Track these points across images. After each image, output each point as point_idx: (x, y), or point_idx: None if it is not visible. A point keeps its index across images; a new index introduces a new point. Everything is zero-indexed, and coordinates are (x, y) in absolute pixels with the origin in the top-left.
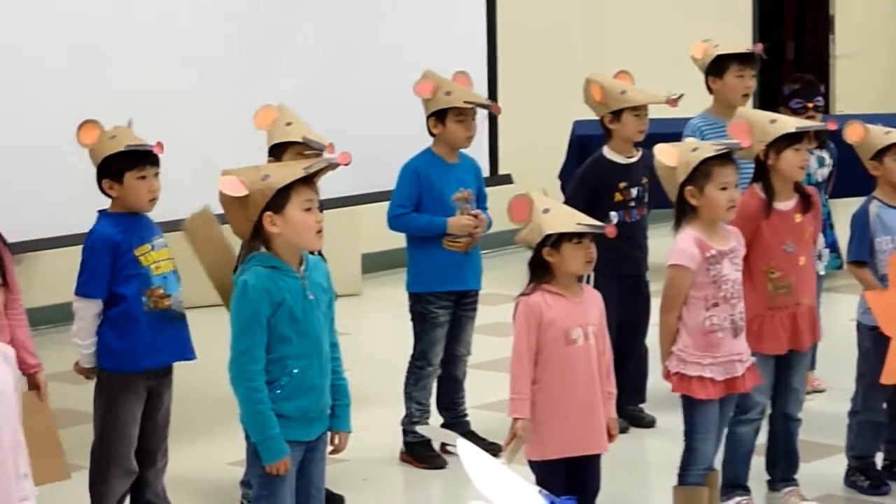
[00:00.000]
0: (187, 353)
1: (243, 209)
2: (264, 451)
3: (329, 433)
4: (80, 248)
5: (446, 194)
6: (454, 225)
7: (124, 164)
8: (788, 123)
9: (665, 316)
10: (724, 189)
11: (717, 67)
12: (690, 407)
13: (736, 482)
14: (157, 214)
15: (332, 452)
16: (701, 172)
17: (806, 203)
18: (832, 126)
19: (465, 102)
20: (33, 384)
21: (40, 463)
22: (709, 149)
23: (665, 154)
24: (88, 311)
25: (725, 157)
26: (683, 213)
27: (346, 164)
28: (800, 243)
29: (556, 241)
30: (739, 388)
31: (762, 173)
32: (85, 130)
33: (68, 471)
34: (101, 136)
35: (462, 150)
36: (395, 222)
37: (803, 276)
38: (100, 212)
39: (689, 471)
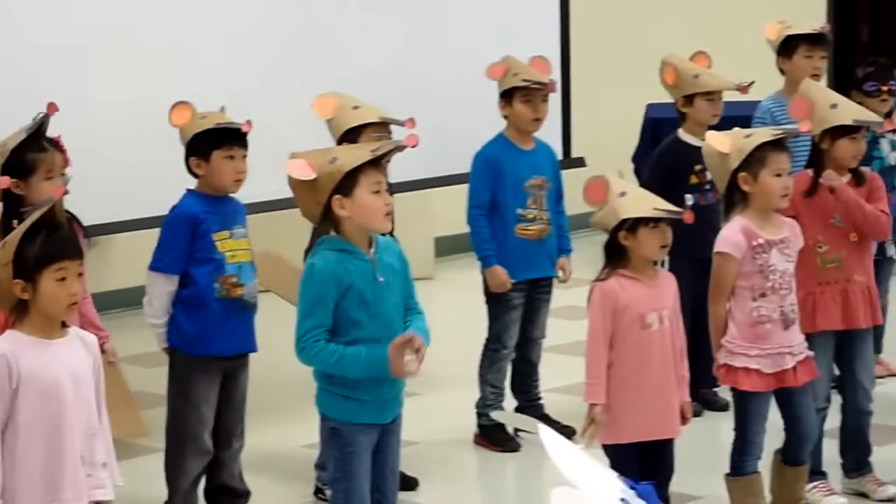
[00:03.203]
0: (250, 346)
1: (312, 192)
2: (377, 367)
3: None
4: (155, 230)
5: (520, 181)
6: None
7: (212, 143)
8: (847, 113)
9: (713, 306)
10: (778, 175)
11: (786, 48)
12: (739, 398)
13: (811, 469)
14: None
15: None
16: (756, 158)
17: (858, 180)
18: (888, 126)
19: (524, 81)
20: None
21: (117, 420)
22: (764, 134)
23: (717, 141)
24: (161, 288)
25: (780, 144)
26: (733, 202)
27: (412, 147)
28: (850, 219)
29: (633, 225)
30: (790, 382)
31: (816, 156)
32: (177, 111)
33: (145, 428)
34: (192, 117)
35: (540, 139)
36: (469, 221)
37: (856, 253)
38: (188, 190)
39: (743, 460)
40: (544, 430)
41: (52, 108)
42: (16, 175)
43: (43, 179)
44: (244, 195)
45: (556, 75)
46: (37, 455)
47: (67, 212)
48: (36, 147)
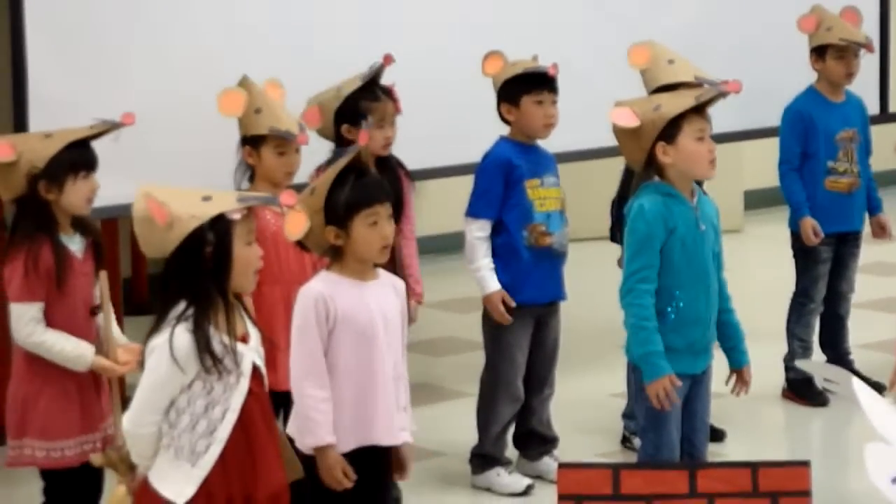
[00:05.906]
0: (560, 293)
1: (636, 140)
2: (645, 368)
3: (733, 373)
4: (467, 178)
5: (831, 134)
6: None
7: (521, 89)
8: None
9: None
10: None
11: None
12: None
13: None
14: (548, 146)
15: (743, 387)
16: None
17: None
18: None
19: (841, 40)
20: None
21: None
22: None
23: None
24: (477, 232)
25: None
26: None
27: (736, 92)
28: None
29: None
30: None
31: None
32: (489, 61)
33: None
34: (503, 65)
35: (849, 90)
36: (781, 176)
37: None
38: (501, 136)
39: None
40: (857, 383)
41: (388, 59)
42: (349, 121)
43: (375, 127)
44: (560, 144)
45: (872, 28)
46: (350, 395)
47: (392, 156)
48: (370, 95)
